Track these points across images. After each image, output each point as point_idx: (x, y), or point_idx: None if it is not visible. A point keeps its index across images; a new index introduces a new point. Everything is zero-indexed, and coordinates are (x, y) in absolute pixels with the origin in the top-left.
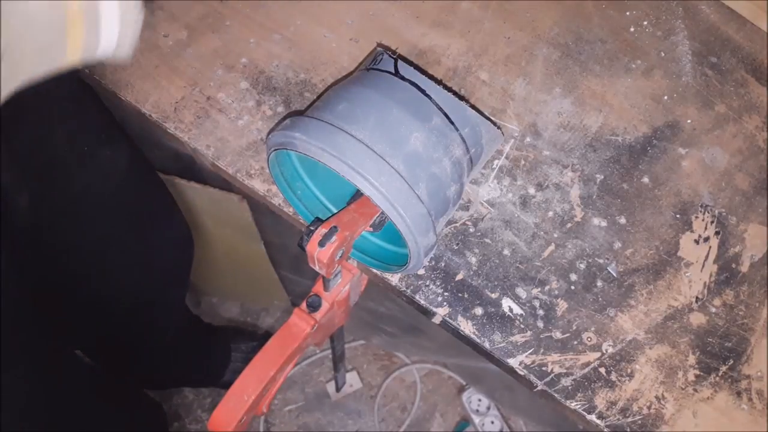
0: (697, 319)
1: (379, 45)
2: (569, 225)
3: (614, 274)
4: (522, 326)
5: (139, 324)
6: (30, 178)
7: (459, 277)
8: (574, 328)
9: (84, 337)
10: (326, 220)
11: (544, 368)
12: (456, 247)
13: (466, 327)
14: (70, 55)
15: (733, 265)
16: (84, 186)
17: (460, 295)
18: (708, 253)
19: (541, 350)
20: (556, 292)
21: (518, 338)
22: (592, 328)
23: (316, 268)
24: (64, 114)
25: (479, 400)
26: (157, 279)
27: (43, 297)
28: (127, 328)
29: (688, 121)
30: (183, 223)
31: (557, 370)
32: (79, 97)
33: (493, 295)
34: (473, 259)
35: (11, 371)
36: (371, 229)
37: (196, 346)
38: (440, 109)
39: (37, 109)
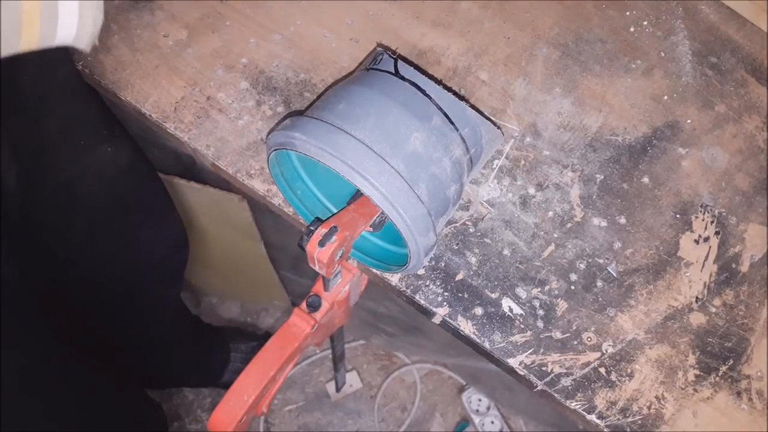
0: (697, 319)
1: (379, 45)
2: (569, 225)
3: (614, 274)
4: (522, 326)
5: (131, 317)
6: (19, 158)
7: (459, 277)
8: (574, 328)
9: (77, 328)
10: (326, 220)
11: (544, 368)
12: (456, 247)
13: (466, 327)
14: (26, 44)
15: (733, 265)
16: (74, 176)
17: (460, 295)
18: (708, 253)
19: (541, 350)
20: (556, 292)
21: (518, 338)
22: (592, 328)
23: (316, 268)
24: (58, 106)
25: (479, 400)
26: (148, 274)
27: (36, 281)
28: (118, 321)
29: (688, 121)
30: (178, 224)
31: (557, 370)
32: (75, 94)
33: (493, 295)
34: (473, 259)
35: (7, 367)
36: (371, 229)
37: (196, 346)
38: (440, 109)
39: (29, 96)
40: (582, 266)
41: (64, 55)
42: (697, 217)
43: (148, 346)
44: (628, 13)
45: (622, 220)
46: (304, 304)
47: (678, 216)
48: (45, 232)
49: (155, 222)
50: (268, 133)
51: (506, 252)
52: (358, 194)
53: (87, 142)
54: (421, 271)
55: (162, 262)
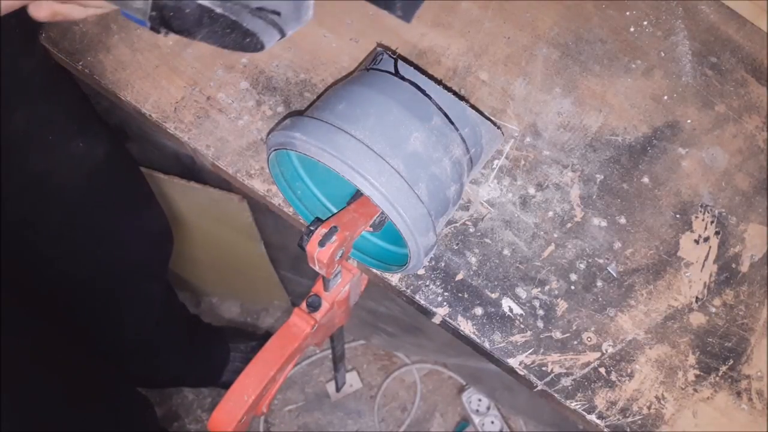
0: (697, 319)
1: (379, 45)
2: (569, 225)
3: (614, 274)
4: (522, 326)
5: (113, 313)
6: None
7: (459, 277)
8: (574, 328)
9: (59, 325)
10: (326, 220)
11: (544, 368)
12: (456, 247)
13: (466, 327)
14: None
15: (733, 265)
16: (46, 171)
17: (460, 295)
18: (708, 253)
19: (541, 350)
20: (556, 292)
21: (518, 338)
22: (592, 328)
23: (316, 268)
24: (23, 102)
25: (479, 400)
26: (129, 269)
27: (15, 277)
28: (101, 317)
29: (688, 121)
30: (161, 218)
31: (557, 370)
32: (42, 90)
33: (493, 295)
34: (473, 259)
35: None
36: (371, 229)
37: (193, 345)
38: (440, 109)
39: None
40: (582, 266)
41: (26, 51)
42: (697, 217)
43: (135, 344)
44: (628, 13)
45: (622, 220)
46: (304, 304)
47: (678, 216)
48: (20, 227)
49: (135, 217)
50: (268, 133)
51: (506, 252)
52: (358, 194)
53: (57, 138)
54: (421, 271)
55: (143, 256)
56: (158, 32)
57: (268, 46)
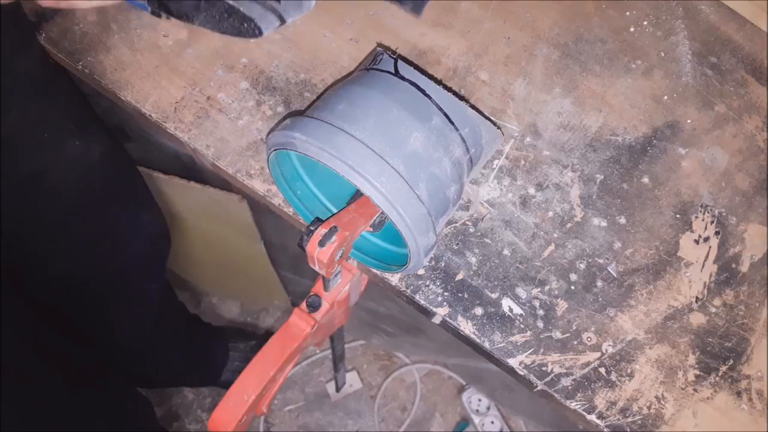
0: (697, 319)
1: (379, 45)
2: (569, 225)
3: (614, 274)
4: (522, 326)
5: (109, 313)
6: None
7: (459, 277)
8: (574, 328)
9: (54, 323)
10: (326, 220)
11: (544, 368)
12: (456, 247)
13: (466, 327)
14: None
15: (733, 265)
16: (41, 170)
17: (460, 295)
18: (708, 253)
19: (541, 350)
20: (556, 292)
21: (518, 338)
22: (592, 328)
23: (316, 268)
24: (18, 101)
25: (479, 400)
26: (126, 268)
27: (15, 277)
28: (97, 316)
29: (688, 121)
30: (158, 218)
31: (557, 370)
32: (38, 89)
33: (493, 295)
34: (473, 259)
35: None
36: (371, 229)
37: (192, 345)
38: (440, 109)
39: None
40: (582, 266)
41: (21, 50)
42: (697, 217)
43: (133, 344)
44: (628, 13)
45: (622, 220)
46: (304, 304)
47: (678, 216)
48: (15, 226)
49: (132, 216)
50: (268, 133)
51: (506, 252)
52: (358, 194)
53: (52, 137)
54: (421, 271)
55: (140, 255)
56: (159, 16)
57: (266, 32)
